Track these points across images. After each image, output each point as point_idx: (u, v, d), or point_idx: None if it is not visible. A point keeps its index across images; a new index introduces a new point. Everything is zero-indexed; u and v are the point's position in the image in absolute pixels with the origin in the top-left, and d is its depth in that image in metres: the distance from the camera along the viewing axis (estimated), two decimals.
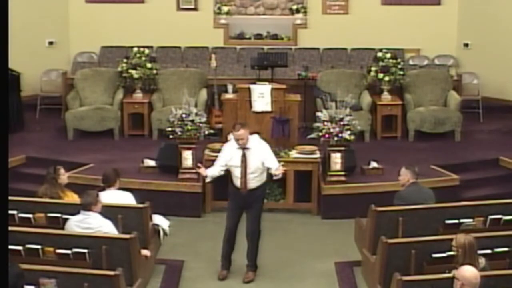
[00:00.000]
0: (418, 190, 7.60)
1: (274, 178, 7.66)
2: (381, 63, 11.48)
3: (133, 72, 11.43)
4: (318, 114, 9.56)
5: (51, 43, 13.16)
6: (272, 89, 10.15)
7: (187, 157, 9.40)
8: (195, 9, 13.32)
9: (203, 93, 11.52)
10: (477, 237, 6.10)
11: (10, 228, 6.07)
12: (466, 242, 5.92)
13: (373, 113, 11.43)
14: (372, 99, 11.48)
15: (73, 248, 6.57)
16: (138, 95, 11.57)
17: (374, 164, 9.83)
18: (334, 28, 13.16)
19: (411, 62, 12.94)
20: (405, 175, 7.66)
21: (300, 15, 13.32)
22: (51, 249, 6.60)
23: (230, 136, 7.78)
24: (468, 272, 5.41)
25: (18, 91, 11.47)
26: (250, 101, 10.10)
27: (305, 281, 7.74)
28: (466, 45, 13.17)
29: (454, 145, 11.08)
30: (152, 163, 9.78)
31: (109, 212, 7.06)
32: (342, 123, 9.21)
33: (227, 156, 7.68)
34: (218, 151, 9.51)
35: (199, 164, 8.02)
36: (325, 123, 9.25)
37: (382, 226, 7.26)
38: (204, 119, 9.40)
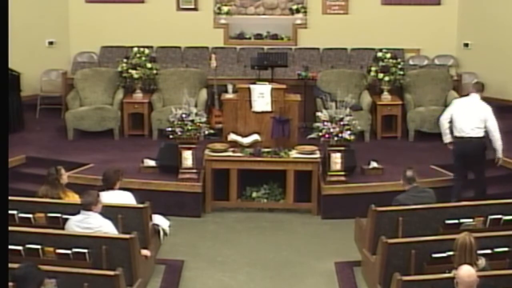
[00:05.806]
0: (415, 195, 7.57)
1: None
2: (381, 63, 11.47)
3: (133, 72, 11.42)
4: (318, 114, 9.56)
5: (51, 43, 13.15)
6: (272, 89, 10.13)
7: (187, 157, 9.39)
8: (195, 9, 13.31)
9: (203, 93, 11.52)
10: (477, 237, 6.09)
11: (10, 228, 6.07)
12: (459, 242, 5.92)
13: (373, 113, 11.43)
14: (372, 99, 11.48)
15: (73, 248, 6.56)
16: (138, 95, 11.57)
17: (374, 164, 9.83)
18: (334, 28, 13.15)
19: (411, 62, 12.93)
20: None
21: (300, 15, 13.31)
22: (51, 249, 6.59)
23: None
24: (462, 270, 5.46)
25: (18, 91, 11.45)
26: (250, 101, 10.08)
27: (305, 281, 7.74)
28: (466, 45, 13.16)
29: None
30: (152, 163, 9.77)
31: (109, 212, 7.05)
32: (342, 123, 9.20)
33: None
34: (218, 151, 9.58)
35: None
36: (325, 123, 9.26)
37: (382, 226, 7.26)
38: (204, 119, 9.40)
